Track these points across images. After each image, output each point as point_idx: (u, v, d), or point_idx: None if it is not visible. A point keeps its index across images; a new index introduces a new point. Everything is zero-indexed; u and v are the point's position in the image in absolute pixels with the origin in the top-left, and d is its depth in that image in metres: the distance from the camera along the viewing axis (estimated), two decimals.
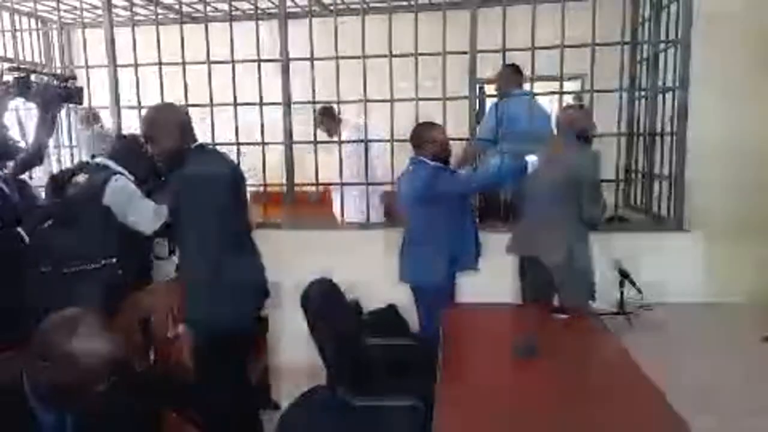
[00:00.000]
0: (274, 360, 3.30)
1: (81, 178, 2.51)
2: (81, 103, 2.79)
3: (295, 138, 3.65)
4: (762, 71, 3.11)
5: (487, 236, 3.27)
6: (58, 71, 2.86)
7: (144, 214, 2.44)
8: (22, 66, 2.82)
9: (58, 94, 2.60)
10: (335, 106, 3.97)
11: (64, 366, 1.37)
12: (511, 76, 3.65)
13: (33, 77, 2.57)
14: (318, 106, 3.90)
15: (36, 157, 2.64)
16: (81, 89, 2.73)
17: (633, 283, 2.60)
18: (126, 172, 2.52)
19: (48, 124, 2.61)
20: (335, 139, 3.98)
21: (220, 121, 3.70)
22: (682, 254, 3.17)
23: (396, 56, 3.48)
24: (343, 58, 3.54)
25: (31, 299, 2.32)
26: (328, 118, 4.16)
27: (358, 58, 3.52)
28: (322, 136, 4.04)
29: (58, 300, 2.13)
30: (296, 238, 3.57)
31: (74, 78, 2.74)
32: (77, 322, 1.43)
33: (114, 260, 2.42)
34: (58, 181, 2.62)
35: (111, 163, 2.52)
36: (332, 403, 2.15)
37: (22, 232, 2.36)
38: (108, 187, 2.40)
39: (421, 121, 3.19)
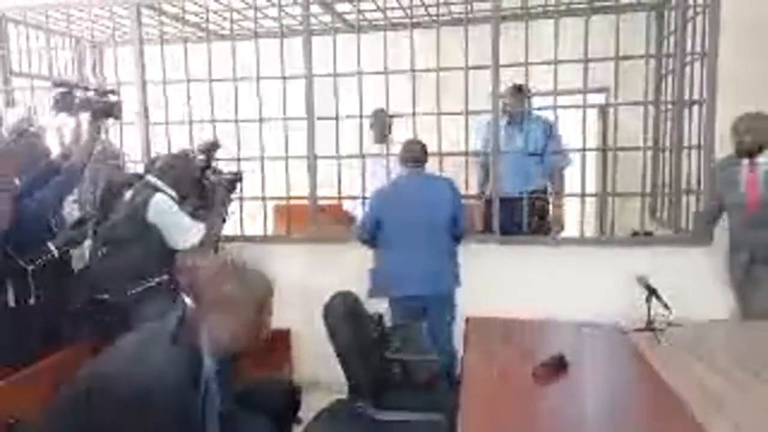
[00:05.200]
0: (296, 373, 3.31)
1: (127, 195, 2.59)
2: (120, 118, 2.85)
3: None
4: None
5: (510, 249, 3.27)
6: (99, 86, 2.94)
7: (179, 231, 2.49)
8: (66, 81, 2.92)
9: (100, 108, 2.68)
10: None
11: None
12: (526, 97, 3.68)
13: (76, 92, 2.66)
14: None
15: (79, 172, 2.70)
16: (120, 103, 2.81)
17: (660, 299, 2.55)
18: (169, 190, 2.57)
19: (90, 138, 2.68)
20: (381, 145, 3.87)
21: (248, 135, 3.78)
22: (711, 269, 3.10)
23: (418, 71, 3.51)
24: (365, 74, 3.58)
25: (93, 327, 2.39)
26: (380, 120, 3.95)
27: (381, 74, 3.56)
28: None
29: (121, 325, 2.20)
30: (319, 251, 3.59)
31: (114, 92, 2.82)
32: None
33: (166, 276, 2.48)
34: (109, 193, 2.72)
35: (156, 181, 2.58)
36: (354, 418, 2.14)
37: (52, 247, 2.43)
38: (149, 205, 2.47)
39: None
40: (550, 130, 3.64)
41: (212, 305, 1.43)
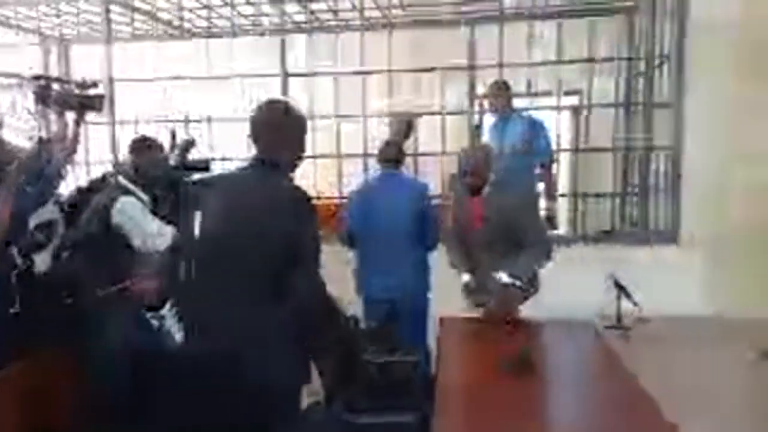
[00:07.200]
0: None
1: (95, 199, 2.50)
2: (101, 111, 2.73)
3: None
4: (755, 82, 3.13)
5: None
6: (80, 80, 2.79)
7: (145, 235, 2.42)
8: (43, 75, 2.81)
9: (80, 102, 2.57)
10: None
11: None
12: (510, 93, 3.69)
13: (54, 85, 2.55)
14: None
15: (62, 173, 2.58)
16: (102, 97, 2.70)
17: (629, 296, 2.61)
18: (138, 191, 2.49)
19: (71, 134, 2.58)
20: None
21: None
22: (678, 267, 3.18)
23: (395, 71, 3.52)
24: (342, 74, 3.58)
25: (59, 332, 2.32)
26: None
27: (357, 74, 3.56)
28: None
29: (84, 330, 2.14)
30: None
31: (96, 86, 2.70)
32: None
33: (130, 282, 2.41)
34: (79, 194, 2.63)
35: (124, 182, 2.50)
36: (330, 421, 2.14)
37: (15, 254, 2.35)
38: (114, 208, 2.39)
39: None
40: (533, 128, 3.63)
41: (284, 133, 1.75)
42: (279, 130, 1.77)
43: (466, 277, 2.68)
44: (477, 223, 2.59)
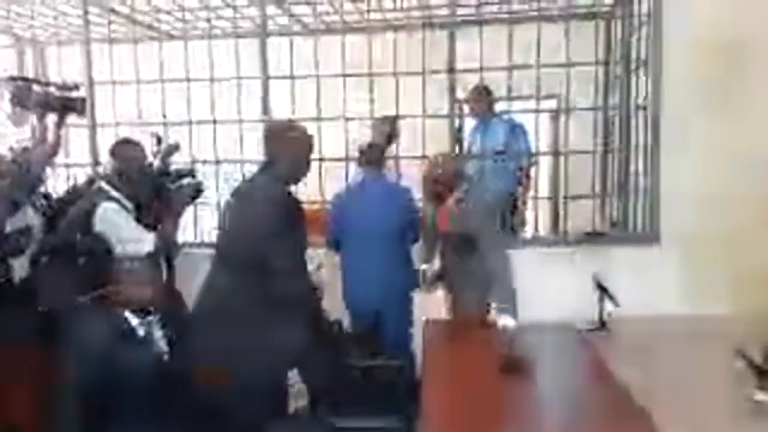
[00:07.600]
0: None
1: (77, 204, 2.44)
2: (83, 114, 2.68)
3: None
4: (731, 85, 3.20)
5: None
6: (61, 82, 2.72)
7: (126, 241, 2.38)
8: (20, 77, 2.74)
9: (62, 104, 2.52)
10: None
11: None
12: (491, 98, 3.72)
13: (35, 87, 2.50)
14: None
15: (41, 176, 2.52)
16: (84, 99, 2.64)
17: (611, 297, 2.63)
18: (121, 196, 2.44)
19: (52, 137, 2.52)
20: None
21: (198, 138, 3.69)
22: (659, 267, 3.22)
23: (375, 75, 3.52)
24: (323, 76, 3.56)
25: (35, 340, 2.27)
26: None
27: (338, 76, 3.55)
28: None
29: (62, 338, 2.10)
30: None
31: (77, 88, 2.65)
32: None
33: (112, 289, 2.36)
34: (58, 202, 2.58)
35: (107, 187, 2.45)
36: (315, 425, 2.13)
37: None
38: (95, 214, 2.35)
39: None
40: (513, 131, 3.65)
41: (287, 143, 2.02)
42: (284, 145, 2.05)
43: (421, 266, 2.75)
44: (444, 230, 2.65)
